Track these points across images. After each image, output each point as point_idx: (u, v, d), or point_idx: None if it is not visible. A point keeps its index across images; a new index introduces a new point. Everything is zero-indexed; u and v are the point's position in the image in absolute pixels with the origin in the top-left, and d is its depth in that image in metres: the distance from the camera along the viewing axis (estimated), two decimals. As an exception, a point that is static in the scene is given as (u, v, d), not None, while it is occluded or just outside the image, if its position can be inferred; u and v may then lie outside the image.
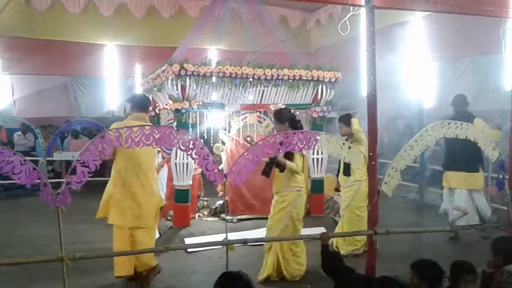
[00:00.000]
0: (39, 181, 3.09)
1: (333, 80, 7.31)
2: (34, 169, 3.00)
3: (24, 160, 2.99)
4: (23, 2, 10.29)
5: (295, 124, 4.89)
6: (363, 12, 3.77)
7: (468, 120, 4.11)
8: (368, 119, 3.62)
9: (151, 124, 4.93)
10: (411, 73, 9.56)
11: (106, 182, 4.61)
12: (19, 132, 10.82)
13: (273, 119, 5.27)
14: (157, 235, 6.09)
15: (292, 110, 5.42)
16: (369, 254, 3.68)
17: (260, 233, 6.29)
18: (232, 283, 2.40)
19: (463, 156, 5.70)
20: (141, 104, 4.85)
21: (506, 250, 3.33)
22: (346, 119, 5.55)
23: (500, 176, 4.22)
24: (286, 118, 4.91)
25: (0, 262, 3.28)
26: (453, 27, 8.26)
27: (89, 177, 3.08)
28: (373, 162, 3.63)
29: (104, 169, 7.90)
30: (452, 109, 6.10)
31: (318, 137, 3.66)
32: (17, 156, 2.97)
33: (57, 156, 9.80)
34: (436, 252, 5.45)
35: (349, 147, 3.74)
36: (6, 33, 10.58)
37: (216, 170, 3.44)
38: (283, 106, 7.24)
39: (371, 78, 3.59)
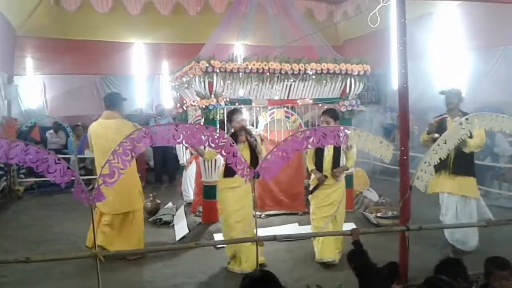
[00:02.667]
0: (73, 178, 3.16)
1: (361, 73, 7.19)
2: (68, 168, 3.06)
3: (58, 159, 3.05)
4: (53, 4, 10.55)
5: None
6: (393, 3, 3.69)
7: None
8: (400, 112, 3.55)
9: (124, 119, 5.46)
10: (442, 63, 9.33)
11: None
12: (51, 131, 11.07)
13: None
14: (186, 231, 6.16)
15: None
16: (401, 251, 3.62)
17: (289, 228, 6.30)
18: (256, 283, 2.38)
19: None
20: (112, 103, 5.43)
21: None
22: (333, 113, 5.26)
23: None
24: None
25: (35, 258, 3.35)
26: (485, 16, 8.03)
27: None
28: (405, 157, 3.56)
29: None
30: (445, 104, 5.71)
31: (348, 132, 3.61)
32: (52, 156, 3.03)
33: (88, 154, 9.99)
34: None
35: (381, 142, 3.67)
36: (37, 34, 10.87)
37: (245, 167, 3.43)
38: (311, 101, 7.21)
39: (403, 71, 3.52)
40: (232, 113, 5.24)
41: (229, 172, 4.76)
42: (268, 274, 2.45)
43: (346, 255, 3.38)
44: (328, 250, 4.96)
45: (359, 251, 3.40)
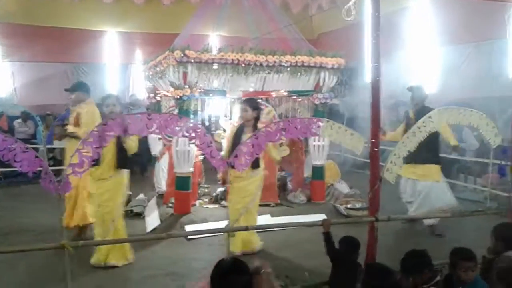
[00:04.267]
0: (40, 168, 3.09)
1: (336, 66, 7.26)
2: (36, 157, 2.99)
3: (26, 148, 2.98)
4: (22, -12, 10.23)
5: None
6: (367, -3, 3.72)
7: (425, 113, 4.08)
8: (372, 105, 3.60)
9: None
10: (414, 58, 9.48)
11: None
12: (20, 120, 10.80)
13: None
14: (158, 222, 6.12)
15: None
16: (370, 241, 3.68)
17: (261, 219, 6.32)
18: (228, 271, 2.38)
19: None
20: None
21: (507, 236, 3.34)
22: (253, 103, 5.28)
23: (502, 162, 4.21)
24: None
25: (1, 249, 3.29)
26: (457, 12, 8.18)
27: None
28: (375, 149, 3.62)
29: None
30: (410, 101, 6.02)
31: (321, 124, 3.65)
32: (19, 144, 2.96)
33: (58, 143, 9.78)
34: (436, 240, 5.51)
35: (352, 134, 3.73)
36: (6, 20, 10.51)
37: (219, 157, 3.43)
38: (285, 93, 7.24)
39: (375, 64, 3.56)
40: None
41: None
42: (239, 262, 2.46)
43: (325, 250, 3.45)
44: (236, 243, 4.98)
45: (329, 242, 3.47)
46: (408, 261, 3.00)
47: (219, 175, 7.35)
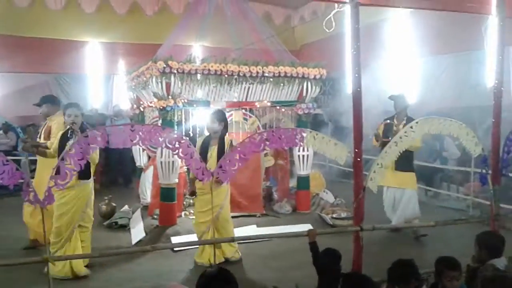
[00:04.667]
0: (22, 181, 3.05)
1: (318, 77, 7.33)
2: (17, 169, 2.95)
3: (7, 160, 2.94)
4: (3, -1, 10.11)
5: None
6: (347, 9, 3.79)
7: (408, 122, 4.21)
8: (354, 115, 3.64)
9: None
10: (395, 69, 9.63)
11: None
12: (1, 131, 10.63)
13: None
14: (143, 234, 6.06)
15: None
16: (355, 250, 3.71)
17: (247, 230, 6.33)
18: (212, 281, 2.36)
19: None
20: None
21: (490, 244, 3.38)
22: (219, 115, 5.26)
23: (483, 171, 4.28)
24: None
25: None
26: (436, 23, 8.34)
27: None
28: (358, 159, 3.66)
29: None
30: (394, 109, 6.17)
31: (304, 134, 3.68)
32: (0, 156, 2.92)
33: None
34: (420, 248, 5.57)
35: (336, 144, 3.77)
36: (-15, 30, 10.38)
37: (202, 168, 3.43)
38: (269, 104, 7.28)
39: (356, 75, 3.61)
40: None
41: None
42: (224, 271, 2.45)
43: (312, 260, 3.45)
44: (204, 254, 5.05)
45: (315, 252, 3.47)
46: (395, 270, 3.02)
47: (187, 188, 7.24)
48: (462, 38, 8.03)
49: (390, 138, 5.19)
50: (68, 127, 4.76)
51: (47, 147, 5.09)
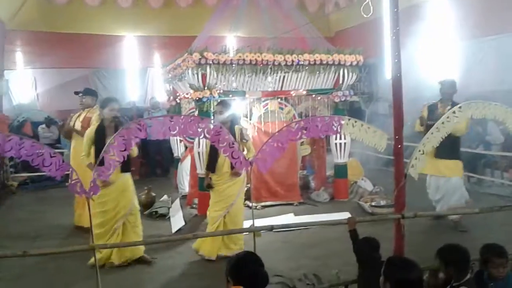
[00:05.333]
0: (67, 172, 3.16)
1: (354, 63, 7.22)
2: (63, 161, 3.06)
3: (54, 153, 3.05)
4: (42, -3, 10.43)
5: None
6: (385, -8, 3.69)
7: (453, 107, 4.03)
8: (394, 102, 3.56)
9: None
10: (434, 53, 9.36)
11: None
12: (43, 126, 11.02)
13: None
14: (183, 223, 6.17)
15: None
16: (396, 238, 3.65)
17: (284, 219, 6.34)
18: (244, 263, 2.39)
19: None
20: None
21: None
22: (225, 105, 5.18)
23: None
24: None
25: (32, 252, 3.35)
26: (476, 6, 8.06)
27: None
28: (399, 146, 3.58)
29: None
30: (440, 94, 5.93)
31: (342, 122, 3.64)
32: (47, 149, 3.03)
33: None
34: (463, 236, 5.43)
35: (375, 131, 3.70)
36: (27, 28, 10.74)
37: (241, 158, 3.45)
38: (304, 92, 7.23)
39: (396, 60, 3.52)
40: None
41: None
42: (251, 253, 2.50)
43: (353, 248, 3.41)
44: (211, 247, 4.96)
45: (355, 240, 3.43)
46: (451, 254, 2.88)
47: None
48: (504, 20, 7.71)
49: (433, 122, 5.04)
50: (101, 120, 4.92)
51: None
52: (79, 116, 6.07)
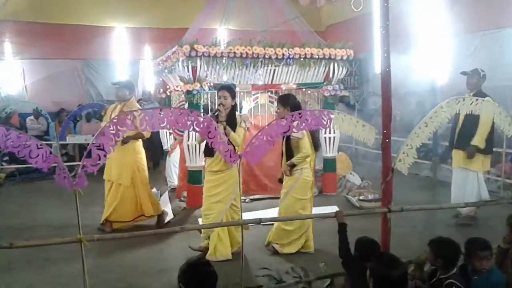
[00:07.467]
0: (55, 164, 3.13)
1: (345, 57, 7.23)
2: (50, 153, 3.03)
3: (41, 144, 3.02)
4: (31, -13, 10.29)
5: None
6: (376, -13, 3.70)
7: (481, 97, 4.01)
8: (382, 96, 3.58)
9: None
10: (424, 48, 9.40)
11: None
12: (32, 117, 10.91)
13: (222, 94, 4.82)
14: (171, 216, 6.16)
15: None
16: (383, 232, 3.68)
17: (273, 212, 6.34)
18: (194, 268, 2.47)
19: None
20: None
21: (522, 225, 3.31)
22: (284, 100, 4.97)
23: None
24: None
25: (18, 244, 3.32)
26: (467, 1, 8.10)
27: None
28: (387, 140, 3.60)
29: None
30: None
31: (332, 116, 3.64)
32: (34, 140, 2.99)
33: (70, 139, 9.88)
34: (450, 230, 5.49)
35: (364, 125, 3.72)
36: (16, 17, 10.61)
37: (230, 151, 3.44)
38: (294, 86, 7.23)
39: (385, 55, 3.53)
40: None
41: (208, 151, 4.78)
42: (201, 259, 2.58)
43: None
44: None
45: (343, 235, 3.38)
46: (443, 247, 2.93)
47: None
48: (494, 16, 7.77)
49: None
50: None
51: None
52: (114, 109, 5.85)
